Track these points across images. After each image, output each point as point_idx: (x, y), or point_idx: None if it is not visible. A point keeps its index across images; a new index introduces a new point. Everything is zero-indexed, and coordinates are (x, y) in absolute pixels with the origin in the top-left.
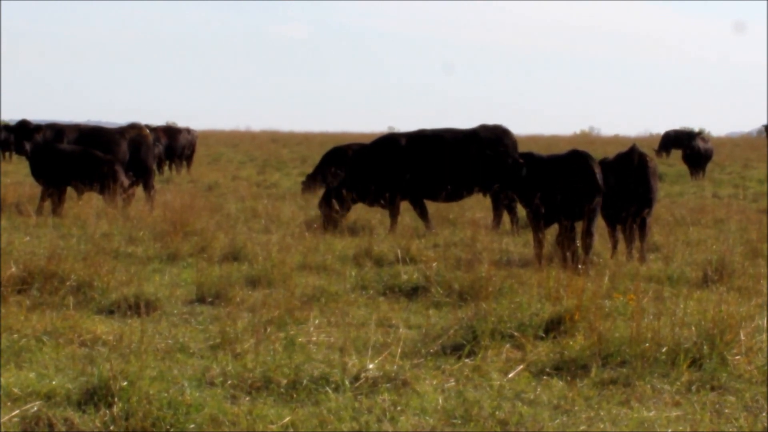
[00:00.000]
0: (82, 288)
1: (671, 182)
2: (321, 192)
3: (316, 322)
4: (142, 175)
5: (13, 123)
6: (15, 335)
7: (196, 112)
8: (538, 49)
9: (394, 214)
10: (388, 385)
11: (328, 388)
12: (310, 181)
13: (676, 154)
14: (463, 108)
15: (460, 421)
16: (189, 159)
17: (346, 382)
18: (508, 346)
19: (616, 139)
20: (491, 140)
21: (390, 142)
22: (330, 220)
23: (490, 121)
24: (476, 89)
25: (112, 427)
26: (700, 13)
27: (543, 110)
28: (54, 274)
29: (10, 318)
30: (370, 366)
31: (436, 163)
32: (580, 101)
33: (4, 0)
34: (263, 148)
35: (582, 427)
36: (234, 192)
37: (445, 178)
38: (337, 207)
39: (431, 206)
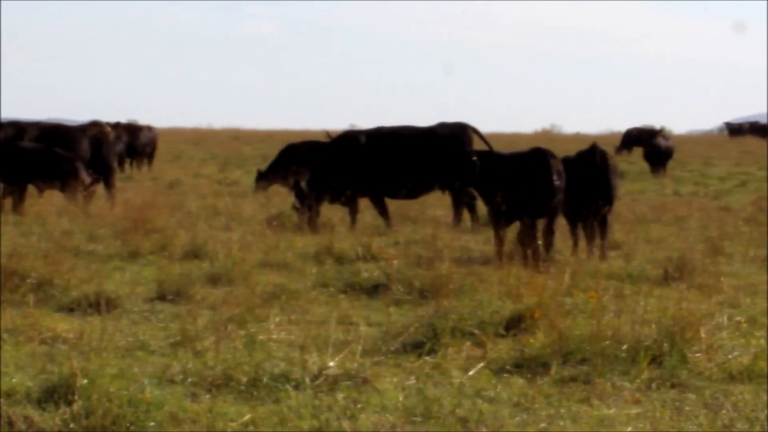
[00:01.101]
0: (43, 286)
1: (632, 180)
2: (275, 188)
3: (277, 319)
4: (103, 173)
5: None
6: None
7: (157, 110)
8: (500, 48)
9: (353, 212)
10: (348, 382)
11: (288, 386)
12: (263, 177)
13: (638, 151)
14: (426, 105)
15: (420, 419)
16: (150, 157)
17: (307, 380)
18: (468, 343)
19: (577, 137)
20: (449, 138)
21: (349, 139)
22: (306, 219)
23: (453, 118)
24: (439, 87)
25: (72, 425)
26: (662, 12)
27: (505, 108)
28: (14, 271)
29: None
30: (331, 364)
31: (394, 160)
32: (541, 99)
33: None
34: (225, 146)
35: (542, 425)
36: (195, 190)
37: (403, 176)
38: (310, 205)
39: (392, 204)
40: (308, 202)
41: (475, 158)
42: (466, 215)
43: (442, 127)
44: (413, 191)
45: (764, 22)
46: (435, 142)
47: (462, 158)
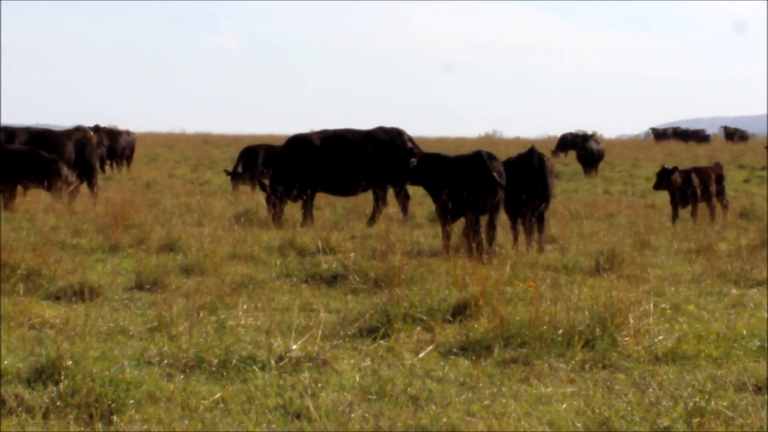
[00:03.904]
0: (32, 276)
1: (567, 180)
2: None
3: (245, 307)
4: (86, 174)
5: None
6: None
7: (135, 116)
8: (445, 56)
9: (306, 208)
10: (309, 364)
11: (255, 367)
12: (236, 178)
13: (572, 154)
14: (378, 110)
15: (375, 397)
16: (129, 159)
17: (272, 362)
18: (418, 328)
19: (517, 141)
20: (386, 141)
21: (296, 142)
22: (275, 214)
23: (400, 123)
24: (392, 93)
25: (58, 403)
26: (597, 26)
27: (450, 113)
28: (5, 263)
29: None
30: (294, 347)
31: (337, 160)
32: (485, 106)
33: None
34: (196, 149)
35: (486, 402)
36: (170, 189)
37: (344, 174)
38: (276, 201)
39: (349, 201)
40: (272, 200)
41: (413, 159)
42: (417, 211)
43: (381, 130)
44: (352, 188)
45: (688, 39)
46: (372, 145)
47: (398, 159)
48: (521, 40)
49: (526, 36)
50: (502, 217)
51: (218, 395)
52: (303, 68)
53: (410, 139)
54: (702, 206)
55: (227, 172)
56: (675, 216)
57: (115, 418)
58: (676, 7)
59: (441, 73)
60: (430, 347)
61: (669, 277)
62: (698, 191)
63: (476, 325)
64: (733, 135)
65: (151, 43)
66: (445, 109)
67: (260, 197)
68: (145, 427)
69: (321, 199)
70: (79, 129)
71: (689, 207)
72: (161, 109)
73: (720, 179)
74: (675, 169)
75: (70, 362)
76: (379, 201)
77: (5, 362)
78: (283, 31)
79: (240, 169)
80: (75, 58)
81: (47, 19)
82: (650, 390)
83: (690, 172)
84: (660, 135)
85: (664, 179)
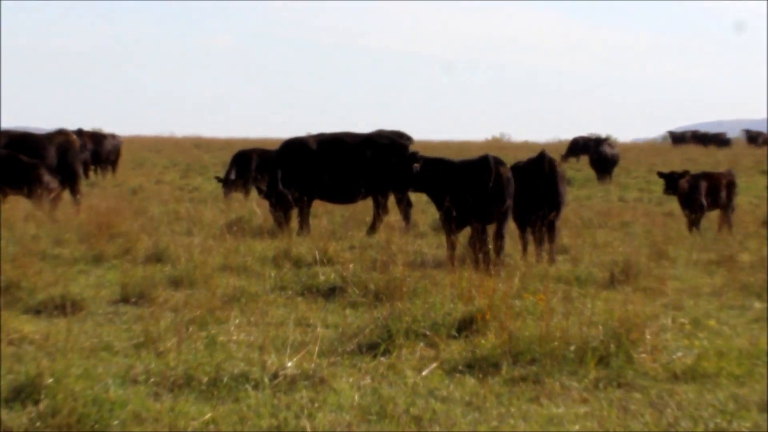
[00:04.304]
0: (10, 288)
1: (579, 186)
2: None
3: (237, 321)
4: (69, 179)
5: None
6: None
7: (121, 118)
8: (451, 57)
9: (302, 216)
10: (305, 382)
11: (247, 386)
12: (229, 184)
13: (584, 159)
14: (378, 113)
15: (375, 418)
16: (114, 164)
17: (266, 380)
18: (421, 344)
19: (526, 145)
20: (386, 145)
21: (291, 146)
22: (280, 221)
23: (401, 126)
24: (393, 95)
25: (38, 424)
26: (610, 25)
27: (455, 116)
28: None
29: None
30: (289, 364)
31: (335, 165)
32: (491, 108)
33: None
34: (186, 154)
35: (493, 423)
36: (157, 195)
37: (342, 180)
38: (279, 207)
39: (348, 210)
40: (276, 206)
41: (416, 164)
42: (420, 219)
43: (380, 134)
44: (351, 195)
45: (708, 39)
46: (372, 149)
47: (400, 164)
48: (529, 38)
49: (534, 34)
50: (511, 226)
51: (208, 416)
52: (299, 69)
53: (411, 142)
54: (716, 215)
55: (219, 179)
56: (691, 224)
57: None
58: (696, 6)
59: (444, 73)
60: (434, 364)
61: (688, 290)
62: (704, 198)
63: (483, 341)
64: (756, 138)
65: (139, 43)
66: (449, 111)
67: (253, 205)
68: None
69: (318, 206)
70: (61, 132)
71: (713, 214)
72: (149, 112)
73: (731, 186)
74: (685, 173)
75: (51, 380)
76: (380, 209)
77: None
78: (280, 31)
79: (233, 175)
80: (57, 58)
81: (27, 17)
82: (668, 410)
83: (699, 178)
84: (678, 139)
85: (671, 184)
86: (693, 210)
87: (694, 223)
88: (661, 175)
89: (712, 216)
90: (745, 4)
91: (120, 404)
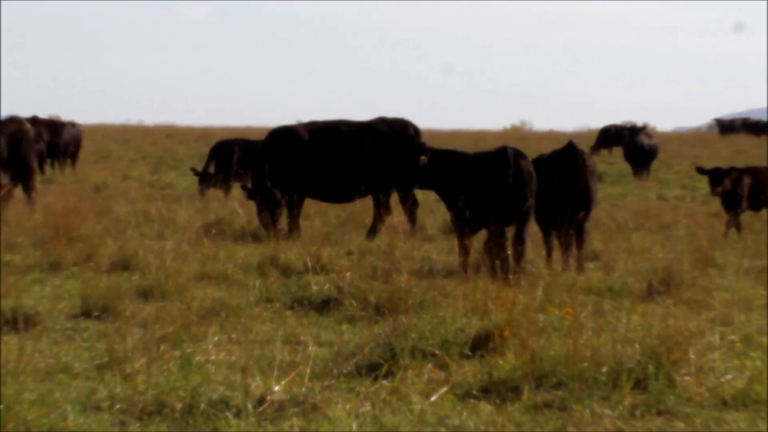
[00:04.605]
0: None
1: (612, 183)
2: (213, 192)
3: (216, 338)
4: (21, 174)
5: None
6: None
7: (82, 105)
8: (461, 34)
9: (292, 217)
10: (295, 409)
11: (228, 413)
12: (205, 179)
13: (617, 151)
14: (379, 98)
15: None
16: (74, 156)
17: (249, 407)
18: (430, 365)
19: (550, 135)
20: (388, 134)
21: (277, 136)
22: (267, 223)
23: (406, 113)
24: (396, 77)
25: None
26: None
27: (468, 101)
28: None
29: None
30: (276, 388)
31: (329, 158)
32: (510, 91)
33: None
34: (157, 145)
35: None
36: (124, 193)
37: (337, 176)
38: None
39: (344, 209)
40: (264, 208)
41: (423, 157)
42: (427, 221)
43: (382, 122)
44: (347, 193)
45: (760, 12)
46: (373, 139)
47: (404, 157)
48: (554, 10)
49: (560, 5)
50: (533, 229)
51: None
52: (289, 47)
53: (417, 132)
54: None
55: (196, 173)
56: (732, 226)
57: None
58: None
59: (455, 52)
60: (444, 389)
61: (738, 303)
62: (744, 196)
63: (501, 362)
64: None
65: (103, 16)
66: (461, 96)
67: (235, 204)
68: None
69: (310, 206)
70: (13, 120)
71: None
72: (114, 96)
73: None
74: (731, 170)
75: (1, 407)
76: (381, 208)
77: None
78: (266, 1)
79: (212, 169)
80: (6, 33)
81: None
82: None
83: (742, 172)
84: (726, 127)
85: (716, 182)
86: (733, 208)
87: (733, 225)
88: (701, 171)
89: (765, 217)
90: None
91: None
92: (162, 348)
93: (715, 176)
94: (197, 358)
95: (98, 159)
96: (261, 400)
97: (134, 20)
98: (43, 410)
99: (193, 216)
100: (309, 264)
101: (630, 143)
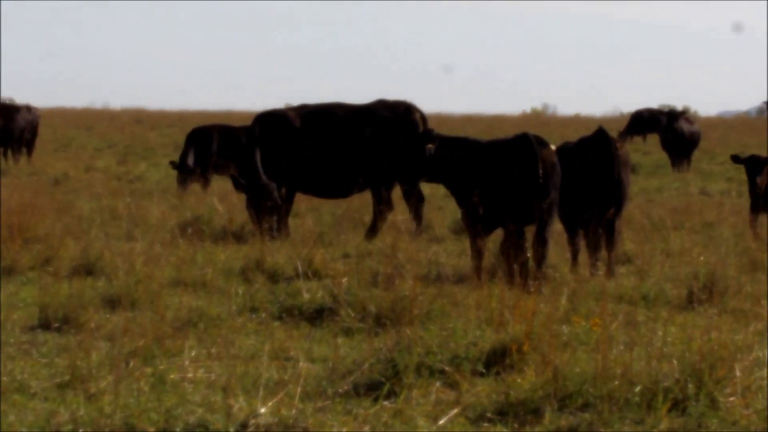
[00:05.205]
0: None
1: (647, 175)
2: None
3: (193, 353)
4: None
5: None
6: None
7: (39, 86)
8: (475, 6)
9: (281, 213)
10: None
11: None
12: (185, 172)
13: (653, 138)
14: (378, 81)
15: None
16: (30, 144)
17: (231, 431)
18: (438, 384)
19: (576, 120)
20: (390, 120)
21: (263, 122)
22: (253, 220)
23: (410, 96)
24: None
25: None
26: None
27: (483, 82)
28: None
29: None
30: (262, 410)
31: (322, 146)
32: (531, 71)
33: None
34: (125, 131)
35: None
36: (88, 187)
37: (331, 167)
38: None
39: (341, 205)
40: (254, 204)
41: (429, 146)
42: (435, 220)
43: (382, 105)
44: (343, 186)
45: None
46: (373, 125)
47: (408, 145)
48: None
49: None
50: (556, 228)
51: None
52: (276, 16)
53: (423, 118)
54: None
55: (174, 165)
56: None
57: None
58: None
59: (468, 25)
60: (455, 410)
61: None
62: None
63: (519, 380)
64: None
65: None
66: (475, 76)
67: (214, 200)
68: None
69: (301, 201)
70: None
71: None
72: (75, 76)
73: None
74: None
75: None
76: (382, 204)
77: None
78: None
79: (191, 160)
80: None
81: None
82: None
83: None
84: None
85: (756, 172)
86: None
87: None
88: (737, 160)
89: None
90: None
91: None
92: (131, 364)
93: (753, 166)
94: (172, 376)
95: (58, 147)
96: (244, 424)
97: None
98: None
99: (166, 213)
100: (300, 268)
101: (667, 130)
